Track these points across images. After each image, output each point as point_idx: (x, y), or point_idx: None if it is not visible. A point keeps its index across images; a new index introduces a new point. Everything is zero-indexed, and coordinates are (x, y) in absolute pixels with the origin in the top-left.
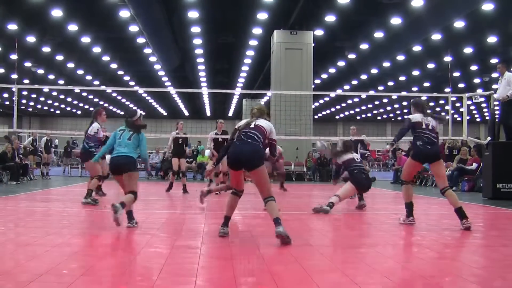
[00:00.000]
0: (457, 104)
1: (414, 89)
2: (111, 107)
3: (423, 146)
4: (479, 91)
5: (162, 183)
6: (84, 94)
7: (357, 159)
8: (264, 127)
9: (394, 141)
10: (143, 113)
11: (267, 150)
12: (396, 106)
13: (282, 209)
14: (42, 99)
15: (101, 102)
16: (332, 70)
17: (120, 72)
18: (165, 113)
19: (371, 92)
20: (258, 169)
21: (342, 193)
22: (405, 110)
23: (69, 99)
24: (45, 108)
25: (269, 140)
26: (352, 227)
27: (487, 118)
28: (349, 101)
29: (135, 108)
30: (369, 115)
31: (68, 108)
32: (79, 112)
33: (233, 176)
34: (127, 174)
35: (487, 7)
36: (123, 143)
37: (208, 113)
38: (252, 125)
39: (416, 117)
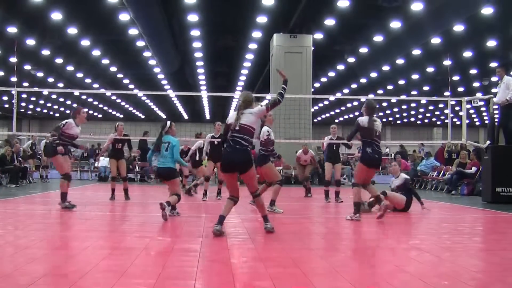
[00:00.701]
0: (457, 108)
1: (414, 92)
2: (110, 110)
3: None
4: (479, 95)
5: (162, 186)
6: (84, 97)
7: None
8: (249, 125)
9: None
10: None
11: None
12: (395, 109)
13: (282, 212)
14: (41, 102)
15: (101, 105)
16: (331, 74)
17: (120, 75)
18: (164, 116)
19: (371, 96)
20: (249, 172)
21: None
22: (405, 114)
23: (68, 102)
24: (45, 111)
25: (262, 118)
26: (351, 230)
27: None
28: (349, 105)
29: (135, 111)
30: None
31: (68, 111)
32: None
33: (227, 180)
34: (169, 181)
35: (487, 11)
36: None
37: (208, 116)
38: (237, 127)
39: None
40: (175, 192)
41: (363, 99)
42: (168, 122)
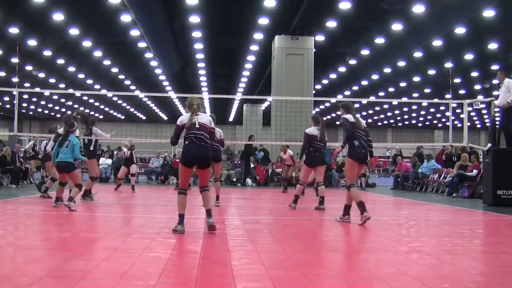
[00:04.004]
0: (458, 111)
1: (415, 95)
2: (111, 111)
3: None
4: (480, 97)
5: (162, 188)
6: (85, 98)
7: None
8: (206, 124)
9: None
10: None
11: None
12: (396, 112)
13: (282, 215)
14: (42, 102)
15: (102, 106)
16: (333, 76)
17: (121, 76)
18: (165, 118)
19: (372, 98)
20: (208, 168)
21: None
22: (406, 116)
23: (69, 103)
24: (46, 111)
25: (210, 129)
26: (352, 233)
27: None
28: None
29: (136, 113)
30: (369, 120)
31: (69, 112)
32: (79, 116)
33: (185, 174)
34: (69, 174)
35: (488, 13)
36: None
37: None
38: (197, 125)
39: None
40: (76, 183)
41: (364, 101)
42: (75, 124)
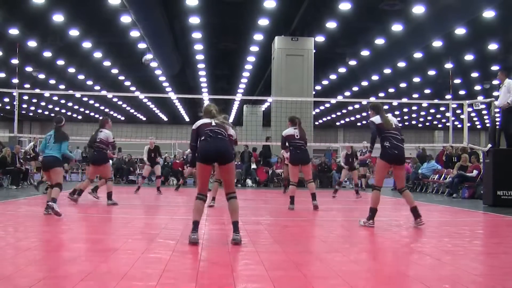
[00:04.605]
0: (458, 111)
1: (415, 96)
2: (111, 112)
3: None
4: (480, 98)
5: (162, 189)
6: (85, 99)
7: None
8: (225, 126)
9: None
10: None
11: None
12: (396, 112)
13: (282, 215)
14: (43, 104)
15: (102, 107)
16: (333, 77)
17: (121, 77)
18: (165, 119)
19: (372, 99)
20: (231, 163)
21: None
22: (406, 117)
23: (69, 104)
24: (46, 112)
25: (229, 135)
26: (352, 233)
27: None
28: (350, 108)
29: (136, 114)
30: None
31: (69, 113)
32: (79, 117)
33: (203, 174)
34: (52, 169)
35: (488, 14)
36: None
37: None
38: (213, 123)
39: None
40: (57, 181)
41: (364, 102)
42: (63, 119)
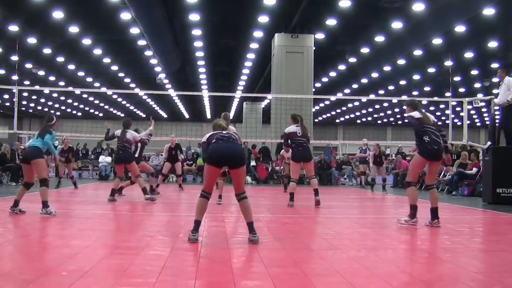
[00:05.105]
0: (458, 109)
1: (415, 93)
2: (111, 109)
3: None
4: (480, 95)
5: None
6: (85, 96)
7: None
8: (235, 133)
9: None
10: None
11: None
12: (396, 110)
13: (282, 212)
14: (42, 100)
15: (102, 104)
16: (332, 74)
17: (121, 74)
18: (165, 116)
19: (372, 96)
20: (242, 168)
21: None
22: (405, 114)
23: (69, 101)
24: (46, 109)
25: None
26: (352, 231)
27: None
28: (350, 105)
29: (136, 111)
30: (369, 119)
31: (69, 110)
32: (79, 114)
33: (211, 175)
34: (33, 162)
35: (488, 12)
36: None
37: (209, 116)
38: (224, 132)
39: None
40: (41, 176)
41: (364, 99)
42: (54, 118)
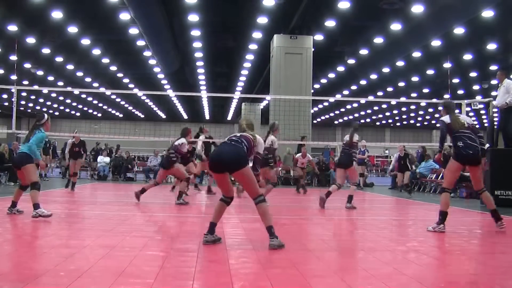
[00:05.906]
0: (456, 111)
1: (413, 95)
2: (110, 109)
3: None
4: (479, 98)
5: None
6: (83, 96)
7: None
8: (250, 136)
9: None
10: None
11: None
12: (395, 112)
13: (280, 214)
14: (41, 100)
15: (100, 104)
16: (331, 75)
17: (120, 75)
18: (164, 116)
19: (370, 98)
20: (241, 170)
21: None
22: (404, 116)
23: (68, 101)
24: (44, 109)
25: (253, 151)
26: (350, 232)
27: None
28: (348, 107)
29: (135, 111)
30: (368, 120)
31: (67, 110)
32: (78, 114)
33: (218, 181)
34: (23, 167)
35: (487, 14)
36: None
37: (207, 116)
38: (238, 134)
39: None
40: (31, 180)
41: (362, 100)
42: (46, 116)
